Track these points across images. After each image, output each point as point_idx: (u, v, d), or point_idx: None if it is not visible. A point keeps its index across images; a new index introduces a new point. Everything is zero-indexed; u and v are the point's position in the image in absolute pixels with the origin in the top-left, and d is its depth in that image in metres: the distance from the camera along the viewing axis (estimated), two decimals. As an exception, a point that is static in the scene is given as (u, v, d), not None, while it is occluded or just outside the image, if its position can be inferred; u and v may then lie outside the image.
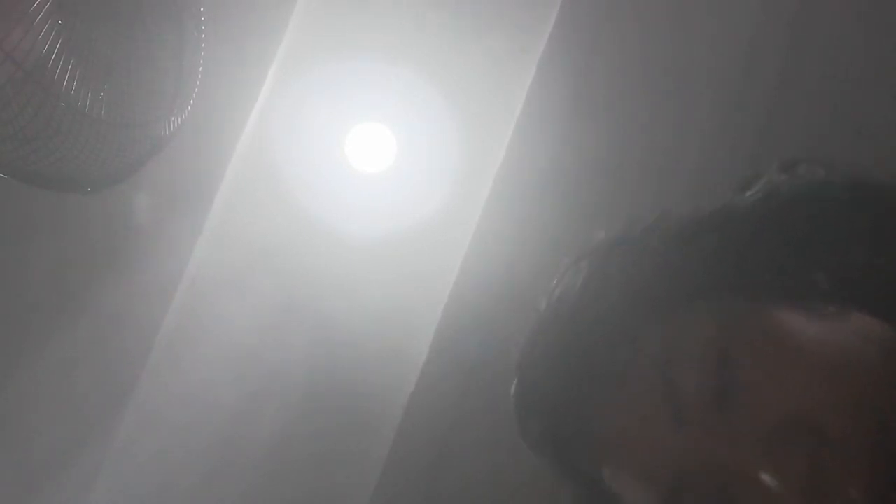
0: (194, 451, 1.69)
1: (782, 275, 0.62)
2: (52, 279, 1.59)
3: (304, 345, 1.71)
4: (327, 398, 1.69)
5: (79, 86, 1.12)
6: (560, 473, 0.70)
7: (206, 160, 1.62)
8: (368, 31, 1.72)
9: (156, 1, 1.19)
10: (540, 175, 1.56)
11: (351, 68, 1.72)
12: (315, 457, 1.68)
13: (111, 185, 1.27)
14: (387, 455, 1.53)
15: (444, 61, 1.70)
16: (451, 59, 1.71)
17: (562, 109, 1.57)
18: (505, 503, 1.46)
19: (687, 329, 0.61)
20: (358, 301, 1.71)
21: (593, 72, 1.58)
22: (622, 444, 0.62)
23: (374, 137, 1.72)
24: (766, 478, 0.55)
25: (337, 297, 1.71)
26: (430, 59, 1.70)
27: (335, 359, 1.70)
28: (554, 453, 0.70)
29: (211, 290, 1.73)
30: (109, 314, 1.62)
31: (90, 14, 1.12)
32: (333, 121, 1.72)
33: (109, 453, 1.66)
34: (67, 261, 1.59)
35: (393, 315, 1.69)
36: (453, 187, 1.70)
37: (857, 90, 1.42)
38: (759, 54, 1.49)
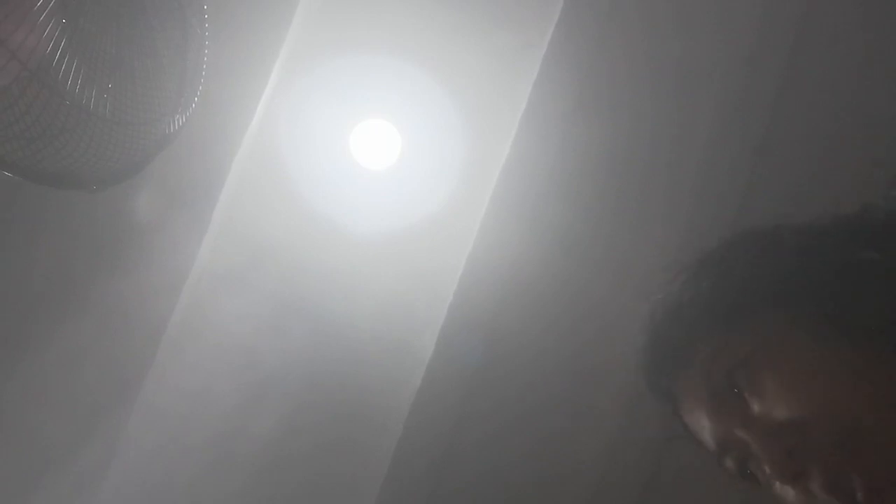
0: (199, 446, 1.70)
1: (835, 303, 0.75)
2: (59, 276, 1.60)
3: (309, 341, 1.71)
4: (333, 395, 1.70)
5: (83, 84, 1.12)
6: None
7: (211, 157, 1.62)
8: (373, 28, 1.72)
9: (160, -1, 1.19)
10: (545, 171, 1.55)
11: (355, 65, 1.72)
12: (321, 453, 1.68)
13: (117, 183, 1.27)
14: (393, 452, 1.53)
15: (449, 57, 1.70)
16: (456, 56, 1.70)
17: (567, 106, 1.56)
18: (511, 500, 1.46)
19: (731, 340, 0.79)
20: (363, 297, 1.71)
21: (598, 68, 1.57)
22: (685, 409, 0.84)
23: (379, 134, 1.72)
24: (766, 462, 0.74)
25: (342, 293, 1.71)
26: (434, 56, 1.70)
27: (340, 355, 1.70)
28: (656, 395, 0.91)
29: (216, 287, 1.73)
30: (115, 310, 1.63)
31: (94, 12, 1.12)
32: (338, 118, 1.72)
33: (114, 447, 1.67)
34: (73, 258, 1.59)
35: (398, 311, 1.69)
36: (458, 184, 1.70)
37: (863, 87, 1.41)
38: (765, 50, 1.49)
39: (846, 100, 1.42)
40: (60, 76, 1.08)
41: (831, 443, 0.70)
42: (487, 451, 1.46)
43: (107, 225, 1.59)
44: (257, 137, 1.71)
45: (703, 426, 0.81)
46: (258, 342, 1.72)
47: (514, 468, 1.46)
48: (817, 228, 0.80)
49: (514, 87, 1.64)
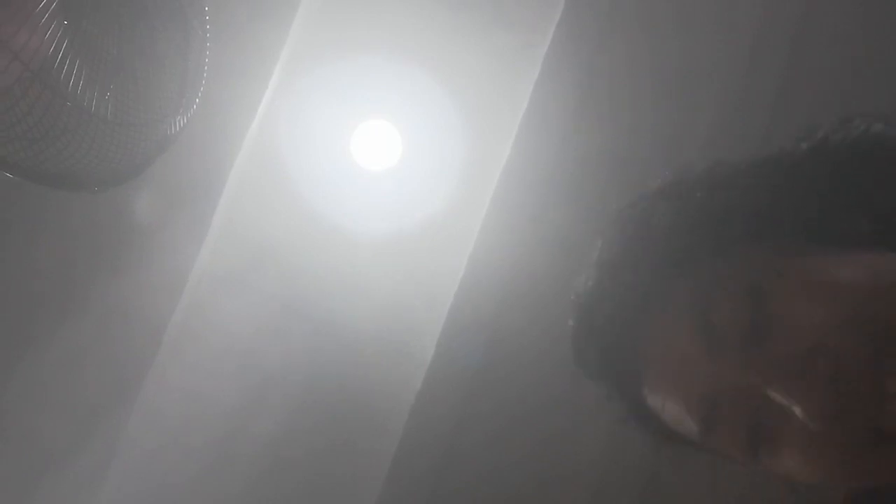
0: (199, 446, 1.70)
1: (827, 217, 0.66)
2: (60, 277, 1.60)
3: (309, 342, 1.71)
4: (333, 396, 1.70)
5: (85, 86, 1.12)
6: (610, 395, 0.76)
7: (212, 158, 1.62)
8: (373, 29, 1.72)
9: (161, 0, 1.19)
10: (545, 172, 1.55)
11: (356, 66, 1.72)
12: (322, 454, 1.68)
13: (118, 184, 1.27)
14: (393, 453, 1.53)
15: (450, 58, 1.70)
16: (457, 56, 1.70)
17: (567, 106, 1.56)
18: (511, 501, 1.46)
19: (724, 269, 0.66)
20: (364, 299, 1.71)
21: (599, 68, 1.57)
22: (662, 373, 0.68)
23: (380, 135, 1.72)
24: (793, 403, 0.60)
25: (342, 294, 1.71)
26: (435, 56, 1.70)
27: (341, 356, 1.70)
28: (606, 376, 0.75)
29: (216, 288, 1.73)
30: (115, 311, 1.63)
31: (96, 14, 1.12)
32: (339, 118, 1.72)
33: (114, 448, 1.66)
34: (74, 259, 1.59)
35: (399, 312, 1.69)
36: (459, 184, 1.70)
37: (862, 87, 1.41)
38: (765, 50, 1.49)
39: (846, 100, 1.42)
40: (62, 77, 1.08)
41: (872, 355, 0.58)
42: (488, 453, 1.46)
43: (108, 226, 1.59)
44: (258, 138, 1.71)
45: (688, 383, 0.65)
46: (258, 343, 1.72)
47: (515, 469, 1.46)
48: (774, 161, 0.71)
49: (515, 88, 1.64)
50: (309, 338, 1.71)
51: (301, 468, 1.69)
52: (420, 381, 1.54)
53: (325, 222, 1.72)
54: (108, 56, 1.15)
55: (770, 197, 0.68)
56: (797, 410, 0.60)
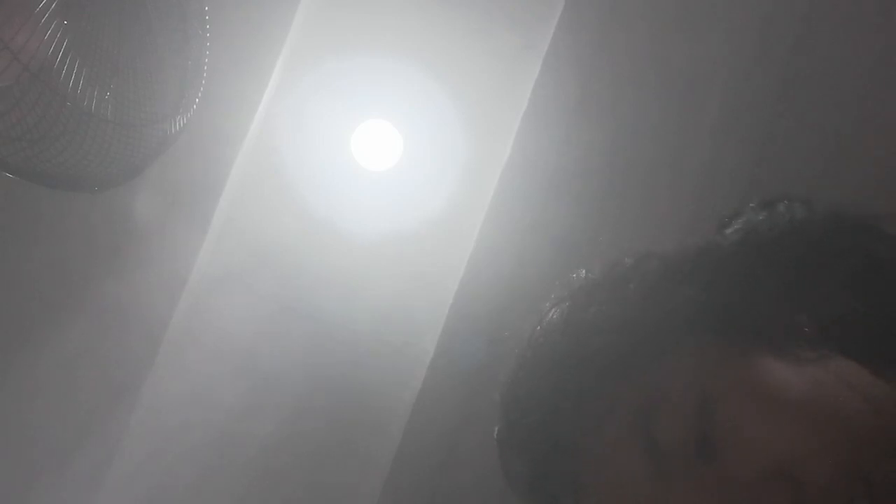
0: (198, 448, 1.70)
1: (764, 318, 0.61)
2: (59, 278, 1.60)
3: (309, 343, 1.71)
4: (334, 397, 1.69)
5: (85, 86, 1.12)
6: None
7: (211, 158, 1.61)
8: (373, 28, 1.72)
9: (161, 1, 1.19)
10: (546, 172, 1.55)
11: (356, 65, 1.71)
12: (322, 456, 1.68)
13: (118, 185, 1.27)
14: (394, 455, 1.53)
15: (450, 58, 1.70)
16: (457, 56, 1.70)
17: (568, 106, 1.56)
18: (512, 502, 1.46)
19: (667, 378, 0.60)
20: (363, 299, 1.71)
21: (599, 68, 1.57)
22: (602, 495, 0.61)
23: (380, 135, 1.72)
24: None
25: (342, 295, 1.71)
26: (435, 56, 1.70)
27: (341, 357, 1.70)
28: (538, 496, 0.68)
29: (216, 289, 1.73)
30: (114, 312, 1.62)
31: (96, 14, 1.12)
32: (339, 118, 1.72)
33: (113, 449, 1.66)
34: (73, 260, 1.59)
35: (399, 313, 1.69)
36: (459, 184, 1.69)
37: (866, 87, 1.41)
38: (767, 50, 1.49)
39: (849, 100, 1.42)
40: (62, 78, 1.08)
41: (843, 487, 0.53)
42: (489, 454, 1.46)
43: (107, 226, 1.58)
44: (258, 138, 1.70)
45: None
46: (258, 345, 1.72)
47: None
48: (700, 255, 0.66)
49: (516, 88, 1.64)
50: (309, 338, 1.71)
51: (301, 468, 1.69)
52: (420, 383, 1.54)
53: (326, 222, 1.72)
54: (107, 56, 1.15)
55: (707, 294, 0.63)
56: None
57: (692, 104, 1.51)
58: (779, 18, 1.48)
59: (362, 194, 1.73)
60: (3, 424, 1.60)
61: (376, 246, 1.72)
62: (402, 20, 1.70)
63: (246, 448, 1.70)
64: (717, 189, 1.45)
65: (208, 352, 1.71)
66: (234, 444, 1.70)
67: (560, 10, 1.61)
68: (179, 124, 1.27)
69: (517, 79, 1.65)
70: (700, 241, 0.68)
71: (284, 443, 1.69)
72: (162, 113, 1.23)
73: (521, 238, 1.52)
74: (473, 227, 1.59)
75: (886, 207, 0.66)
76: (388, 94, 1.71)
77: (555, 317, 0.67)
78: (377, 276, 1.71)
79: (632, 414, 0.60)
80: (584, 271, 0.69)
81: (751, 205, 0.69)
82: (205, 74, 1.29)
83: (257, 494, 1.69)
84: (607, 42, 1.58)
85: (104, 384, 1.64)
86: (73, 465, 1.63)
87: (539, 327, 0.68)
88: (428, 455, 1.51)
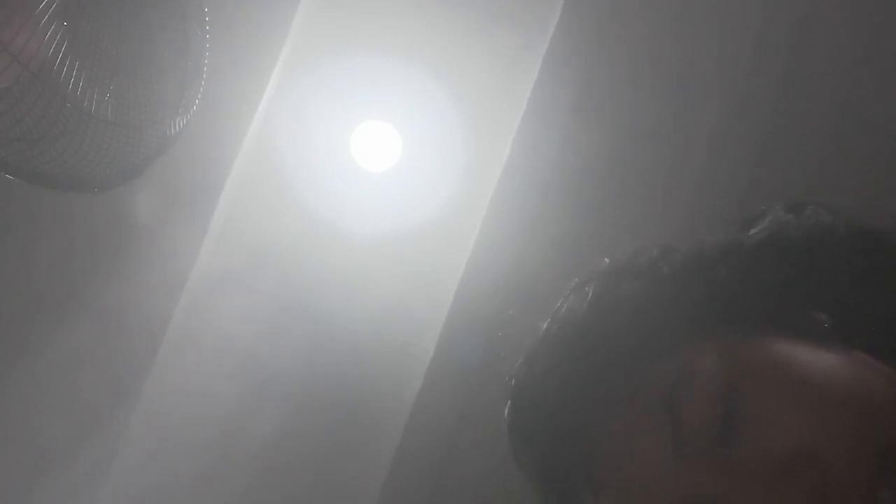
0: (199, 448, 1.70)
1: (786, 311, 0.63)
2: (60, 278, 1.60)
3: (309, 343, 1.71)
4: (333, 397, 1.70)
5: (85, 87, 1.12)
6: (555, 501, 0.69)
7: (211, 159, 1.62)
8: (373, 29, 1.72)
9: (160, 1, 1.19)
10: (545, 172, 1.55)
11: (355, 66, 1.71)
12: (321, 455, 1.68)
13: (118, 185, 1.27)
14: (393, 454, 1.53)
15: (449, 58, 1.70)
16: (456, 56, 1.70)
17: (567, 106, 1.56)
18: (511, 502, 1.46)
19: (694, 361, 0.60)
20: (363, 299, 1.71)
21: (598, 68, 1.57)
22: (621, 475, 0.61)
23: (379, 135, 1.72)
24: None
25: (342, 295, 1.71)
26: (434, 57, 1.70)
27: (341, 357, 1.70)
28: (551, 479, 0.69)
29: (216, 289, 1.73)
30: (115, 312, 1.63)
31: (96, 15, 1.12)
32: (338, 119, 1.72)
33: (114, 449, 1.66)
34: (74, 260, 1.59)
35: (398, 313, 1.69)
36: (458, 185, 1.69)
37: (864, 88, 1.41)
38: (766, 51, 1.49)
39: (847, 100, 1.42)
40: (62, 78, 1.08)
41: (871, 469, 0.54)
42: (488, 453, 1.46)
43: (107, 226, 1.59)
44: (258, 139, 1.71)
45: (646, 492, 0.58)
46: (258, 344, 1.72)
47: (515, 470, 1.45)
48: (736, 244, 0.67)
49: (515, 88, 1.64)
50: (308, 339, 1.71)
51: (301, 468, 1.69)
52: (420, 382, 1.54)
53: (325, 223, 1.72)
54: (107, 57, 1.15)
55: (738, 283, 0.65)
56: None
57: (692, 104, 1.51)
58: (778, 19, 1.48)
59: (362, 195, 1.73)
60: (5, 424, 1.60)
61: (376, 246, 1.72)
62: (402, 20, 1.70)
63: (246, 447, 1.70)
64: (717, 188, 1.46)
65: (208, 352, 1.71)
66: (234, 443, 1.70)
67: (559, 11, 1.61)
68: (179, 125, 1.27)
69: (517, 79, 1.65)
70: (721, 238, 0.69)
71: (284, 442, 1.69)
72: (162, 113, 1.24)
73: (520, 238, 1.52)
74: (473, 227, 1.60)
75: (890, 209, 0.69)
76: (388, 94, 1.71)
77: (578, 298, 0.67)
78: (377, 276, 1.71)
79: (657, 393, 0.60)
80: (606, 259, 0.70)
81: (777, 207, 0.70)
82: (205, 75, 1.29)
83: (257, 493, 1.69)
84: (607, 42, 1.59)
85: (105, 384, 1.64)
86: (74, 463, 1.63)
87: (561, 308, 0.68)
88: (427, 454, 1.51)
